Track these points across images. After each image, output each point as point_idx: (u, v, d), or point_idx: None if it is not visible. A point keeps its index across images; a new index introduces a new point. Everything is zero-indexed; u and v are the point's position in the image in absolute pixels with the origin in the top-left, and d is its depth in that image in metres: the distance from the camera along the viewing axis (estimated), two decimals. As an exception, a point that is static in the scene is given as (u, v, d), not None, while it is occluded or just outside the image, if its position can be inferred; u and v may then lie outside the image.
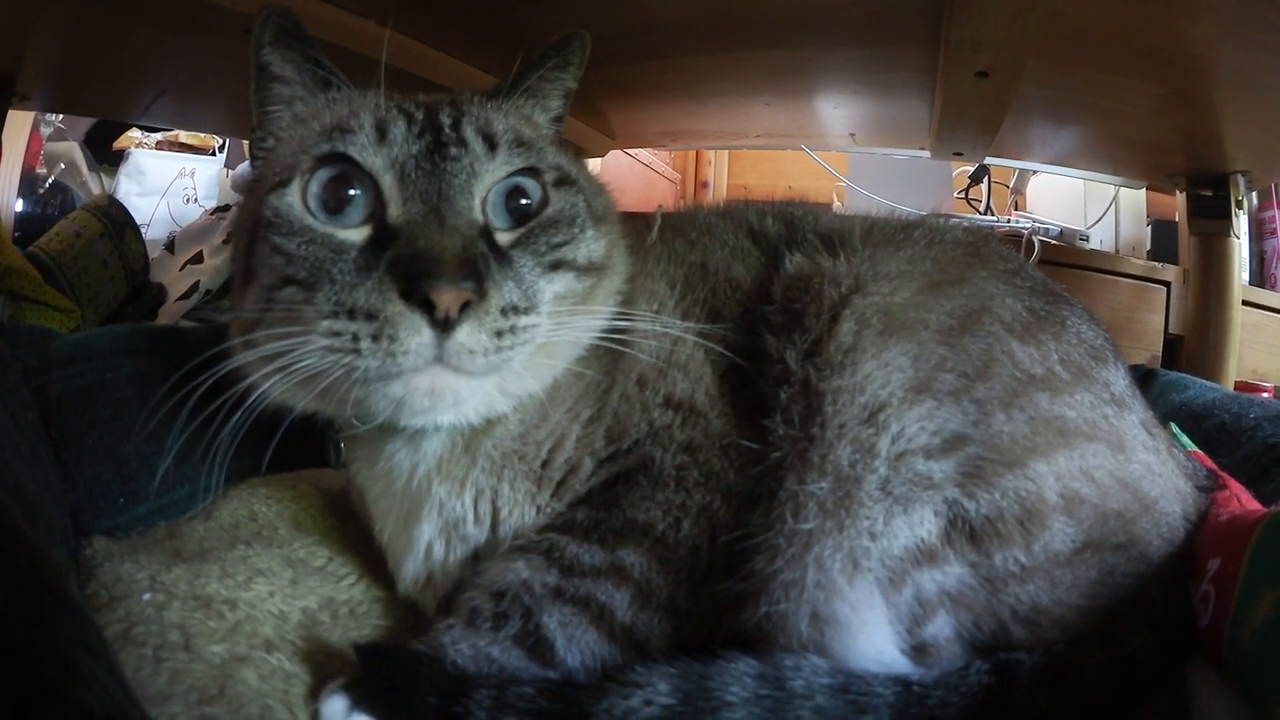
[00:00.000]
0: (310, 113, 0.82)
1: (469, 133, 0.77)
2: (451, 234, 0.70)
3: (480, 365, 0.70)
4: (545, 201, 0.80)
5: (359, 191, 0.74)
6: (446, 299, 0.66)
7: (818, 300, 0.81)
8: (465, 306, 0.67)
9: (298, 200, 0.74)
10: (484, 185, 0.76)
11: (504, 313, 0.70)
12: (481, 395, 0.76)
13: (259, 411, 0.73)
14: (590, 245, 0.81)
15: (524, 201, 0.78)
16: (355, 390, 0.70)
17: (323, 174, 0.75)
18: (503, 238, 0.76)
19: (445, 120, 0.77)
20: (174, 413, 0.76)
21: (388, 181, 0.74)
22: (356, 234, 0.73)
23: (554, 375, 0.81)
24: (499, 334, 0.70)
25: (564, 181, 0.82)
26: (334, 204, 0.74)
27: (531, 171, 0.79)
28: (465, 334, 0.68)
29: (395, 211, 0.73)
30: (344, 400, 0.72)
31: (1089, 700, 0.68)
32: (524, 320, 0.72)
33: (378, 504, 0.86)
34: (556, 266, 0.77)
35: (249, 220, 0.78)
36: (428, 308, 0.66)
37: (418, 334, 0.67)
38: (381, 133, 0.74)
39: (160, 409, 0.76)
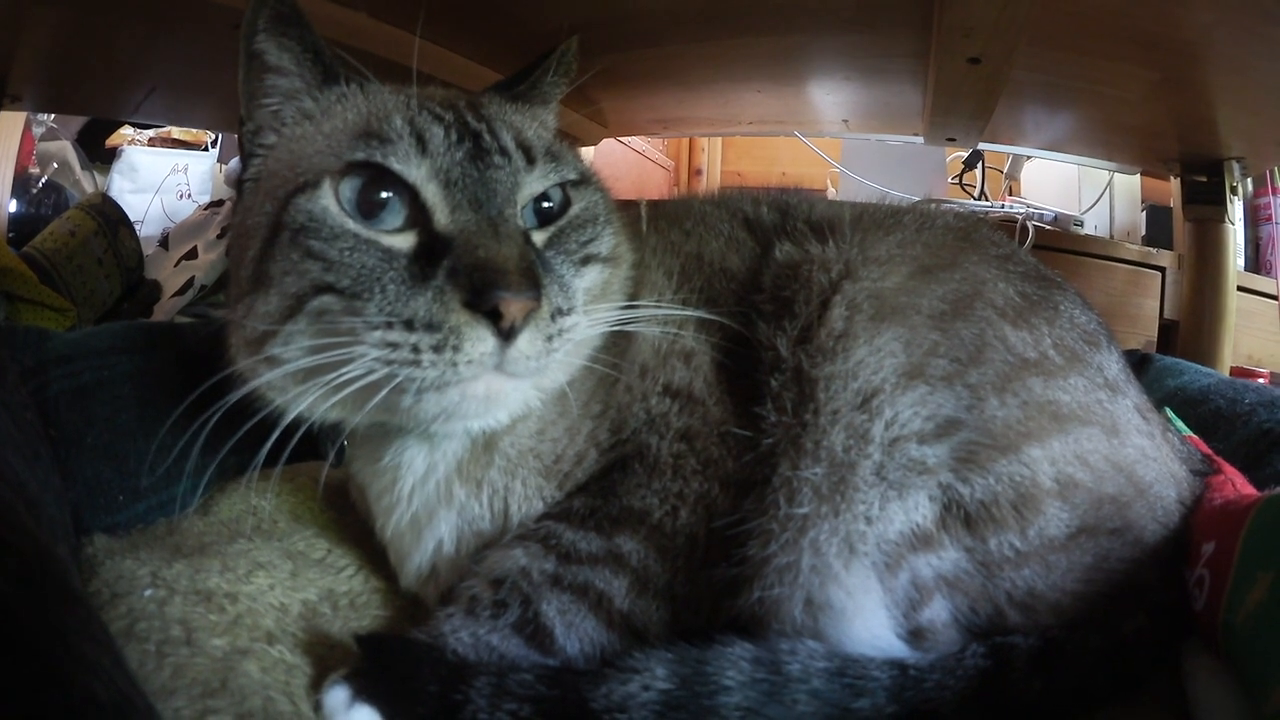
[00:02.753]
0: (320, 109, 0.79)
1: (509, 143, 0.77)
2: (508, 243, 0.70)
3: (531, 368, 0.70)
4: (567, 202, 0.81)
5: (392, 195, 0.72)
6: (515, 309, 0.66)
7: (807, 287, 0.82)
8: (526, 314, 0.68)
9: (333, 203, 0.72)
10: (525, 196, 0.77)
11: (552, 316, 0.71)
12: (522, 395, 0.77)
13: (273, 421, 0.72)
14: (610, 239, 0.82)
15: (546, 204, 0.80)
16: (404, 399, 0.69)
17: (355, 179, 0.72)
18: (537, 238, 0.77)
19: (478, 126, 0.77)
20: (181, 422, 0.73)
21: (431, 190, 0.72)
22: (401, 240, 0.71)
23: (575, 369, 0.81)
24: (549, 338, 0.71)
25: (582, 181, 0.84)
26: (367, 208, 0.72)
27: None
28: (525, 341, 0.68)
29: (443, 219, 0.72)
30: (390, 409, 0.71)
31: (1084, 683, 0.69)
32: (568, 321, 0.73)
33: (380, 501, 0.86)
34: (586, 262, 0.79)
35: (265, 223, 0.74)
36: (494, 317, 0.66)
37: (483, 343, 0.67)
38: (420, 142, 0.73)
39: (176, 436, 0.74)
